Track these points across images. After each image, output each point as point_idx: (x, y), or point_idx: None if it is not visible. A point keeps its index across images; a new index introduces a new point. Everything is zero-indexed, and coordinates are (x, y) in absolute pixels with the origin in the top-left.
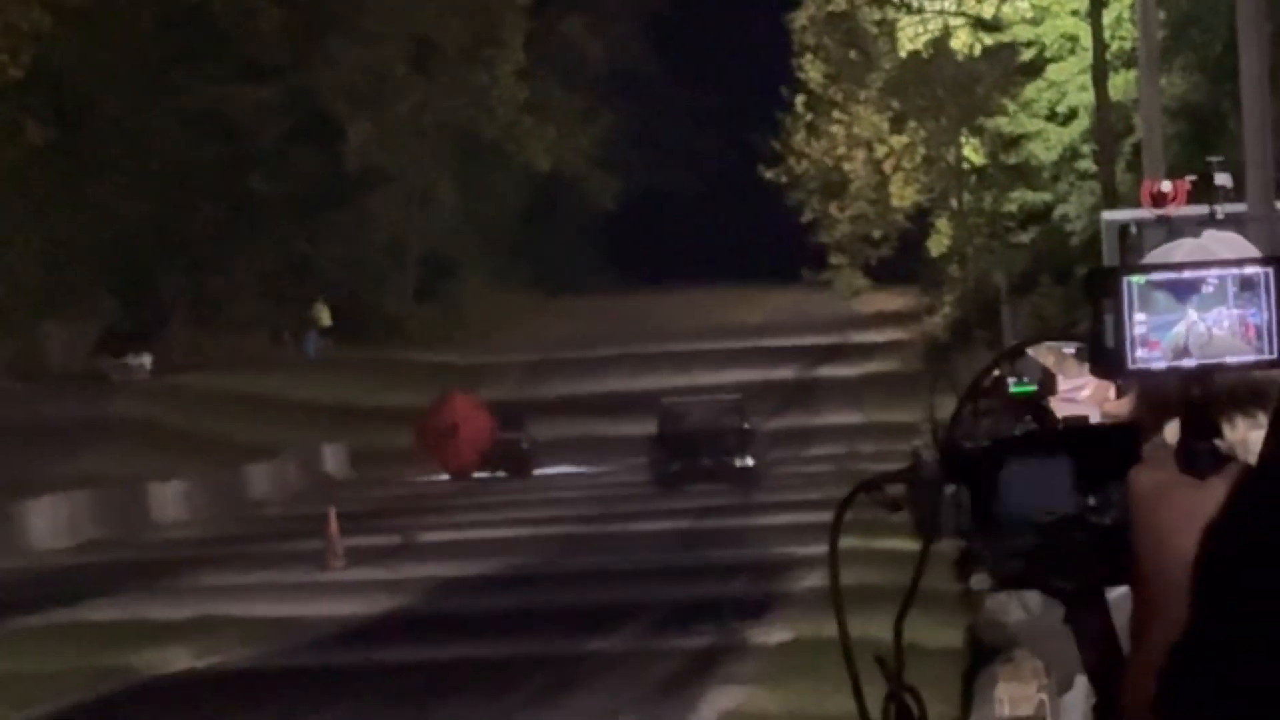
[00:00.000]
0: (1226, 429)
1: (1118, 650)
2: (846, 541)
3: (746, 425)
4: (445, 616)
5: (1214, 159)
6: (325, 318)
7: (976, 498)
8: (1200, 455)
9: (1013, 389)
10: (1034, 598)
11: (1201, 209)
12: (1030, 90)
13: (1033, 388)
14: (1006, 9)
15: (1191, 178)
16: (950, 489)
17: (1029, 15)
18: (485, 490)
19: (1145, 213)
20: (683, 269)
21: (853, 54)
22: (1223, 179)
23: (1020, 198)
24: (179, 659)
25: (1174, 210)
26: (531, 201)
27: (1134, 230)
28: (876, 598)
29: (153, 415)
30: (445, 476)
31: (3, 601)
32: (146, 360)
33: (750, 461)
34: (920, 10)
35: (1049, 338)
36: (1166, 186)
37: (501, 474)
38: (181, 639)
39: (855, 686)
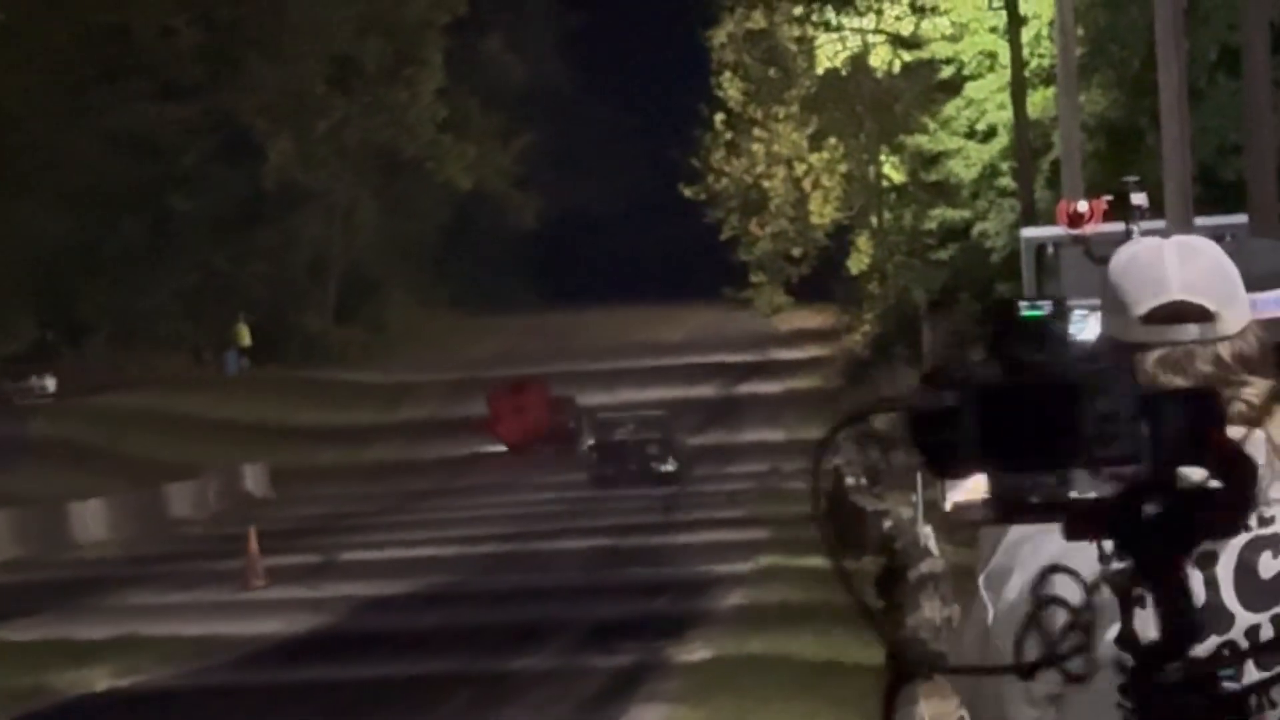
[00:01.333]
0: None
1: (1192, 619)
2: (770, 560)
3: (669, 436)
4: (367, 635)
5: (1129, 179)
6: (246, 337)
7: (992, 427)
8: None
9: (1024, 313)
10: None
11: (1118, 227)
12: (949, 108)
13: (1042, 311)
14: (925, 26)
15: (1107, 197)
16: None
17: (947, 32)
18: (405, 509)
19: (1062, 232)
20: (604, 287)
21: (772, 71)
22: (1138, 198)
23: (940, 215)
24: (100, 678)
25: (1090, 229)
26: (452, 220)
27: (1050, 250)
28: (799, 616)
29: (73, 435)
30: (503, 448)
31: None
32: (50, 383)
33: (672, 467)
34: (839, 28)
35: None
36: (1083, 206)
37: (552, 449)
38: (103, 658)
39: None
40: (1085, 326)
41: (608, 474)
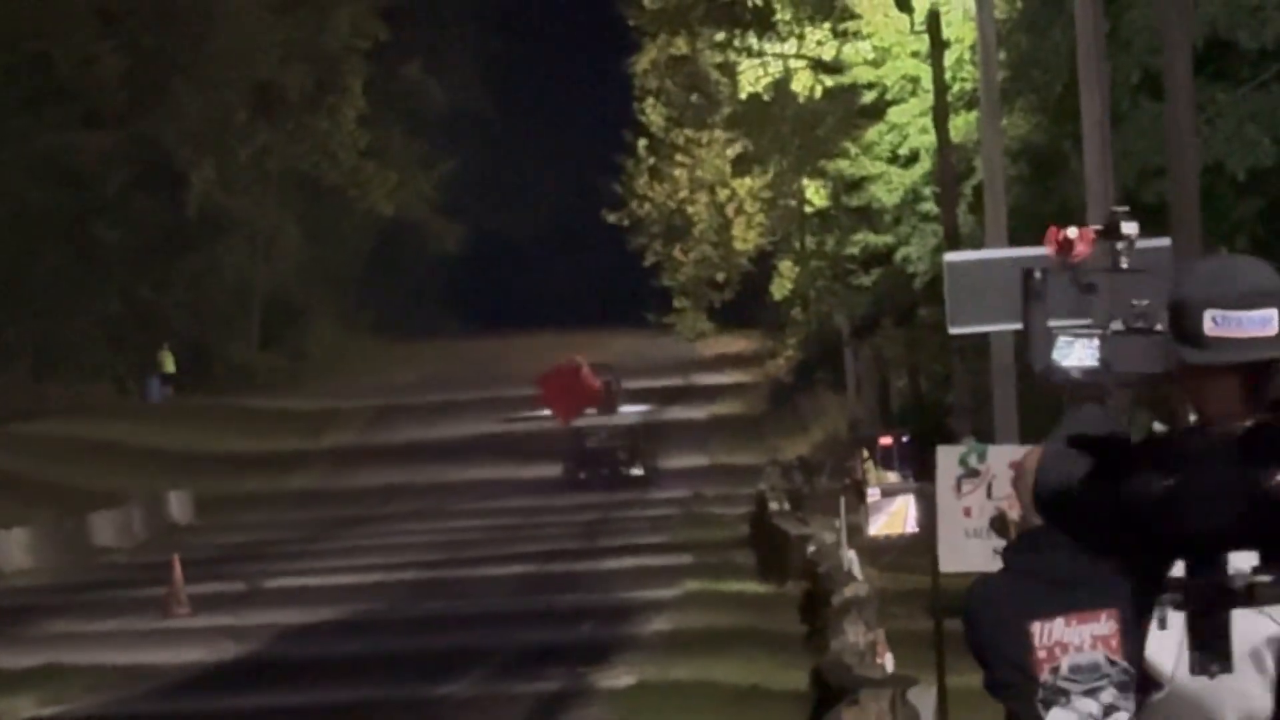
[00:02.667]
0: None
1: None
2: (694, 585)
3: (637, 443)
4: (291, 662)
5: (1119, 209)
6: (169, 364)
7: None
8: None
9: None
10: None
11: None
12: (872, 133)
13: None
14: (847, 51)
15: (1096, 227)
16: None
17: (870, 57)
18: (330, 536)
19: (1045, 254)
20: (527, 313)
21: (694, 97)
22: (1129, 227)
23: (862, 240)
24: (24, 707)
25: (1078, 256)
26: (375, 247)
27: (1038, 275)
28: (724, 641)
29: None
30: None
31: None
32: None
33: (640, 471)
34: (761, 53)
35: None
36: (1073, 232)
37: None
38: (27, 687)
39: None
40: (1070, 351)
41: (581, 478)
